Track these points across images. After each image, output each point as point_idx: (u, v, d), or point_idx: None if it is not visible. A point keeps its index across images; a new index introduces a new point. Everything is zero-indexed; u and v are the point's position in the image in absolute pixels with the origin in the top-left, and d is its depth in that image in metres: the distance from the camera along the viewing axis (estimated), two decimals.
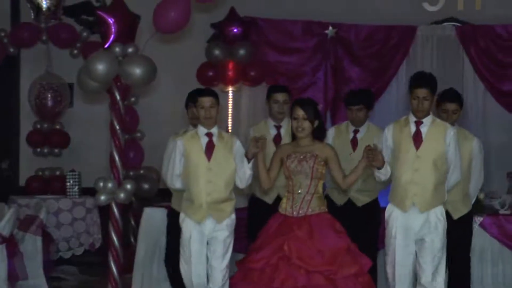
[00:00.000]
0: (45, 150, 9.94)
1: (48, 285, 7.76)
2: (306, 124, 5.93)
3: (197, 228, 6.06)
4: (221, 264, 6.07)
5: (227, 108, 9.49)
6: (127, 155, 8.66)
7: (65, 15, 10.05)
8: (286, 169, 5.99)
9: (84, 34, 9.85)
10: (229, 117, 9.57)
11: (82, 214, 9.27)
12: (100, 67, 6.82)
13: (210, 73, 9.39)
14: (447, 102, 6.52)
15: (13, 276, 7.26)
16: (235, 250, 6.37)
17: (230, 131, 9.24)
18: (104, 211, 7.87)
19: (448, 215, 6.30)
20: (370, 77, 9.55)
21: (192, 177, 6.09)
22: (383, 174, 6.07)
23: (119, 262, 6.99)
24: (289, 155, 5.98)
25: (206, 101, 6.10)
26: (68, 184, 9.37)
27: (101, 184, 6.90)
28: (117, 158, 6.97)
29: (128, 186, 6.96)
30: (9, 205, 7.94)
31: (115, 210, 6.99)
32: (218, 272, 6.07)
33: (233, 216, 6.15)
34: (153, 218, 7.48)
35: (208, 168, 6.07)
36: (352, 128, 7.02)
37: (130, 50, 6.95)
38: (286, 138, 6.78)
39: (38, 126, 9.95)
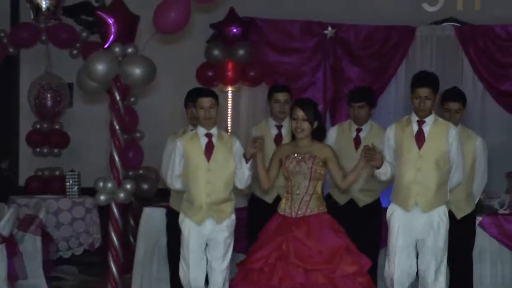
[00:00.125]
0: (45, 150, 9.95)
1: (48, 285, 7.76)
2: (306, 125, 5.94)
3: (197, 229, 6.06)
4: (221, 265, 6.07)
5: (227, 109, 9.49)
6: (127, 155, 8.67)
7: (65, 15, 10.06)
8: (285, 170, 5.99)
9: (84, 34, 9.86)
10: (229, 118, 9.57)
11: (82, 214, 9.28)
12: (100, 67, 6.82)
13: (210, 73, 9.39)
14: (450, 101, 6.51)
15: (12, 276, 7.26)
16: (235, 250, 6.37)
17: (229, 131, 9.23)
18: (104, 211, 7.88)
19: (451, 214, 6.30)
20: (370, 77, 9.55)
21: (192, 178, 6.09)
22: (383, 173, 6.07)
23: (119, 262, 6.99)
24: (288, 156, 5.98)
25: (206, 101, 6.10)
26: (68, 184, 9.38)
27: (101, 184, 6.90)
28: (116, 158, 6.97)
29: (128, 186, 6.96)
30: (9, 205, 7.95)
31: (115, 210, 7.00)
32: (218, 273, 6.07)
33: (233, 216, 6.15)
34: (153, 218, 7.48)
35: (207, 169, 6.07)
36: (355, 127, 7.01)
37: (129, 50, 6.95)
38: (287, 138, 6.77)
39: (38, 126, 9.95)
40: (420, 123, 6.08)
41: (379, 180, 6.26)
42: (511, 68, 9.39)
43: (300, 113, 5.92)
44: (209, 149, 6.10)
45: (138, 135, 9.54)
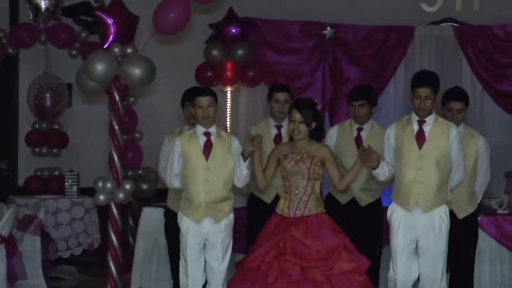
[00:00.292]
0: (44, 150, 9.95)
1: (47, 285, 7.77)
2: (303, 127, 5.94)
3: (195, 228, 6.05)
4: (220, 265, 6.06)
5: (226, 109, 9.49)
6: (126, 155, 8.67)
7: (64, 15, 10.06)
8: (283, 170, 5.99)
9: (83, 34, 9.87)
10: (228, 118, 9.57)
11: (81, 214, 9.28)
12: (99, 67, 6.82)
13: (209, 74, 9.40)
14: (452, 101, 6.50)
15: (12, 276, 7.27)
16: (235, 250, 6.37)
17: (228, 131, 9.23)
18: (103, 211, 7.88)
19: (452, 214, 6.30)
20: (368, 77, 9.55)
21: (190, 177, 6.09)
22: (381, 174, 6.07)
23: (118, 262, 6.99)
24: (286, 156, 5.98)
25: (204, 100, 6.09)
26: (67, 184, 9.38)
27: (100, 184, 6.91)
28: (116, 158, 6.98)
29: (127, 186, 6.97)
30: (8, 205, 7.96)
31: (114, 210, 7.00)
32: (217, 274, 6.06)
33: (231, 216, 6.14)
34: (152, 218, 7.49)
35: (206, 168, 6.06)
36: (355, 126, 7.00)
37: (129, 50, 6.96)
38: (286, 138, 6.77)
39: (37, 126, 9.95)
40: (421, 122, 6.07)
41: (378, 180, 6.26)
42: (509, 68, 9.40)
43: (297, 116, 5.92)
44: (207, 148, 6.10)
45: (137, 135, 9.55)
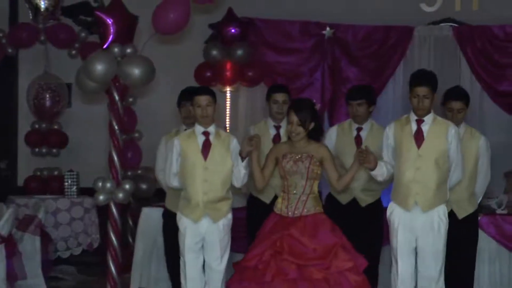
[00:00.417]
0: (43, 150, 9.96)
1: (47, 285, 7.78)
2: (300, 129, 5.93)
3: (193, 227, 6.04)
4: (219, 265, 6.06)
5: (225, 109, 9.50)
6: (125, 155, 8.68)
7: (63, 15, 10.06)
8: (281, 169, 5.99)
9: (83, 34, 9.88)
10: (227, 118, 9.58)
11: (80, 214, 9.28)
12: (99, 67, 6.83)
13: (208, 74, 9.40)
14: (452, 101, 6.48)
15: (12, 276, 7.28)
16: (234, 250, 6.37)
17: (228, 131, 9.23)
18: (102, 211, 7.89)
19: (453, 214, 6.31)
20: (368, 78, 9.55)
21: (189, 177, 6.08)
22: (379, 175, 6.07)
23: (118, 262, 7.00)
24: (284, 155, 5.98)
25: (203, 99, 6.08)
26: (66, 184, 9.38)
27: (100, 184, 6.91)
28: (115, 158, 6.98)
29: (127, 186, 6.97)
30: (8, 205, 7.97)
31: (114, 210, 7.01)
32: (216, 273, 6.06)
33: (230, 215, 6.14)
34: (151, 218, 7.49)
35: (204, 167, 6.05)
36: (355, 126, 6.99)
37: (128, 50, 6.96)
38: (285, 138, 6.76)
39: (36, 126, 9.96)
40: (419, 122, 6.08)
41: (376, 181, 6.27)
42: (509, 69, 9.40)
43: (294, 118, 5.91)
44: (206, 148, 6.09)
45: (136, 135, 9.55)
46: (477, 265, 6.97)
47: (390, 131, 6.18)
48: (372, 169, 6.00)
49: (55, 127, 10.01)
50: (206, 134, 6.12)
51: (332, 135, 7.02)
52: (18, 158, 10.37)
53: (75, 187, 9.35)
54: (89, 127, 10.08)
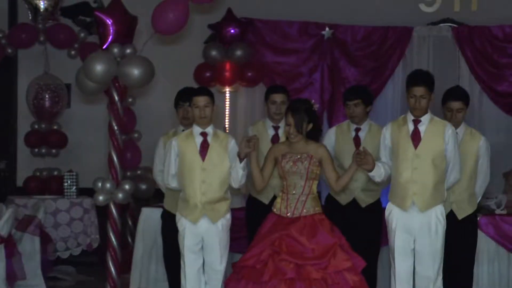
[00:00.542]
0: (43, 151, 9.96)
1: (46, 285, 7.78)
2: (298, 132, 5.96)
3: (192, 228, 6.05)
4: (219, 266, 6.07)
5: (224, 109, 9.51)
6: (125, 155, 8.68)
7: (63, 15, 10.07)
8: (280, 169, 5.99)
9: (82, 35, 9.88)
10: (226, 118, 9.58)
11: (80, 214, 9.27)
12: (99, 67, 6.84)
13: (207, 74, 9.40)
14: (451, 101, 6.47)
15: (11, 276, 7.27)
16: (234, 250, 6.38)
17: (227, 131, 9.24)
18: (102, 211, 7.89)
19: (453, 215, 6.32)
20: (367, 78, 9.56)
21: (187, 177, 6.08)
22: (377, 176, 6.06)
23: (118, 262, 7.01)
24: (284, 155, 5.97)
25: (201, 100, 6.07)
26: (66, 184, 9.37)
27: (100, 184, 6.92)
28: (115, 158, 6.99)
29: (127, 187, 6.98)
30: (7, 205, 7.95)
31: (114, 210, 7.02)
32: (215, 273, 6.07)
33: (228, 216, 6.14)
34: (151, 218, 7.49)
35: (202, 168, 6.05)
36: (353, 126, 6.99)
37: (128, 51, 6.98)
38: (284, 139, 6.77)
39: (36, 126, 9.96)
40: (416, 122, 6.08)
41: (374, 181, 6.27)
42: (508, 69, 9.41)
43: (292, 121, 5.93)
44: (204, 148, 6.09)
45: (136, 135, 9.56)
46: (476, 265, 6.97)
47: (387, 131, 6.19)
48: (370, 171, 6.00)
49: (55, 127, 10.01)
50: (204, 135, 6.11)
51: (331, 136, 7.03)
52: (17, 159, 10.37)
53: (74, 187, 9.34)
54: (89, 128, 10.09)
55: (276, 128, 7.07)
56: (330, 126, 8.71)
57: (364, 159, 5.90)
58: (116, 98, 7.01)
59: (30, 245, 7.67)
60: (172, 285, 6.80)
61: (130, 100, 9.44)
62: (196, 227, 6.05)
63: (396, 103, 9.53)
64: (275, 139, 7.01)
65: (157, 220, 7.20)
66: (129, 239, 9.16)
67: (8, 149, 10.34)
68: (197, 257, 6.08)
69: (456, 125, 6.37)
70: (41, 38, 9.73)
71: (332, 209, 6.73)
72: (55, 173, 9.91)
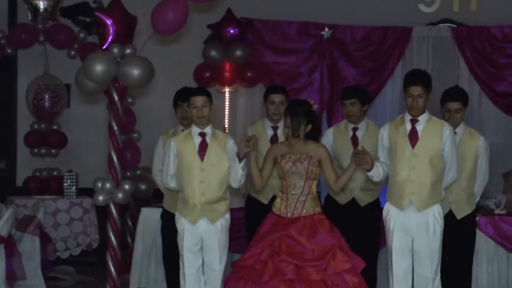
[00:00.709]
0: (43, 151, 9.96)
1: (46, 285, 7.78)
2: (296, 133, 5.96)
3: (191, 228, 6.05)
4: (218, 266, 6.07)
5: (224, 109, 9.51)
6: (125, 155, 8.68)
7: (62, 16, 10.07)
8: (280, 169, 5.99)
9: (82, 35, 9.88)
10: (226, 118, 9.59)
11: (80, 214, 9.28)
12: (98, 67, 6.85)
13: (207, 74, 9.41)
14: (450, 101, 6.47)
15: (11, 276, 7.28)
16: (233, 250, 6.38)
17: (227, 132, 9.24)
18: (102, 211, 7.90)
19: (451, 214, 6.32)
20: (366, 78, 9.57)
21: (186, 178, 6.08)
22: (375, 175, 6.07)
23: (117, 262, 7.01)
24: (283, 155, 5.98)
25: (199, 100, 6.06)
26: (66, 184, 9.37)
27: (99, 184, 6.93)
28: (115, 158, 7.00)
29: (126, 187, 6.99)
30: (7, 205, 7.96)
31: (113, 210, 7.02)
32: (215, 273, 6.07)
33: (228, 216, 6.14)
34: (151, 218, 7.50)
35: (201, 168, 6.05)
36: (350, 126, 6.99)
37: (128, 51, 6.98)
38: (283, 139, 6.78)
39: (36, 126, 9.96)
40: (413, 122, 6.08)
41: (373, 181, 6.28)
42: (507, 69, 9.41)
43: (290, 123, 5.92)
44: (202, 148, 6.08)
45: (135, 135, 9.56)
46: (475, 265, 6.97)
47: (384, 132, 6.20)
48: (369, 170, 6.01)
49: (55, 127, 10.02)
50: (202, 135, 6.11)
51: (329, 136, 7.03)
52: (17, 159, 10.37)
53: (74, 187, 9.35)
54: (89, 128, 10.09)
55: (275, 128, 7.08)
56: (330, 126, 8.71)
57: (362, 158, 5.90)
58: (116, 98, 7.02)
59: (30, 245, 7.68)
60: (170, 285, 6.80)
61: (130, 100, 9.44)
62: (195, 227, 6.05)
63: (395, 103, 9.53)
64: (274, 139, 7.01)
65: (157, 220, 7.20)
66: (129, 239, 9.17)
67: (8, 149, 10.34)
68: (196, 257, 6.08)
69: (455, 126, 6.37)
70: (41, 38, 9.73)
71: (331, 209, 6.74)
72: (55, 173, 9.91)
